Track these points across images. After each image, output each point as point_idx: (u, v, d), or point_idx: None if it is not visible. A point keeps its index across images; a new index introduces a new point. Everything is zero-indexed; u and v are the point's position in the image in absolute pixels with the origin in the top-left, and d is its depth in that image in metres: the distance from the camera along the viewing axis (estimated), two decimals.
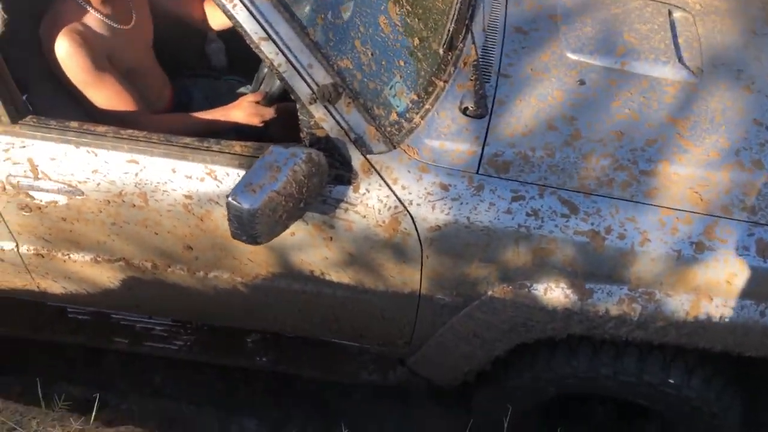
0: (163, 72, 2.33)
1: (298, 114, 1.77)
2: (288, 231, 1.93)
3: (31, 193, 1.96)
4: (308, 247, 1.97)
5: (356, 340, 2.32)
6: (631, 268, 1.89)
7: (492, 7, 2.26)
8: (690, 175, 1.95)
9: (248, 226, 1.62)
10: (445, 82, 2.01)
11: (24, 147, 1.90)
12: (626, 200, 1.89)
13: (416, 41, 1.99)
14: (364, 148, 1.82)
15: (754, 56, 2.25)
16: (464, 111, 1.98)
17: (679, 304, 1.90)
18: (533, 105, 2.02)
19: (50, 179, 1.93)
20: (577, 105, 2.04)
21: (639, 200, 1.89)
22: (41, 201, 1.97)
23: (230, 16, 1.66)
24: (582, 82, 2.10)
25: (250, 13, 1.66)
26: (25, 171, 1.92)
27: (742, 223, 1.88)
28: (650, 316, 1.92)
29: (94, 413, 1.97)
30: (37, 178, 1.93)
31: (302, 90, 1.74)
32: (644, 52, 2.18)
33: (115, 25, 2.04)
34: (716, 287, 1.87)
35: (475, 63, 2.03)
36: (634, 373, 2.10)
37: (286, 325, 2.31)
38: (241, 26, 1.67)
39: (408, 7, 1.99)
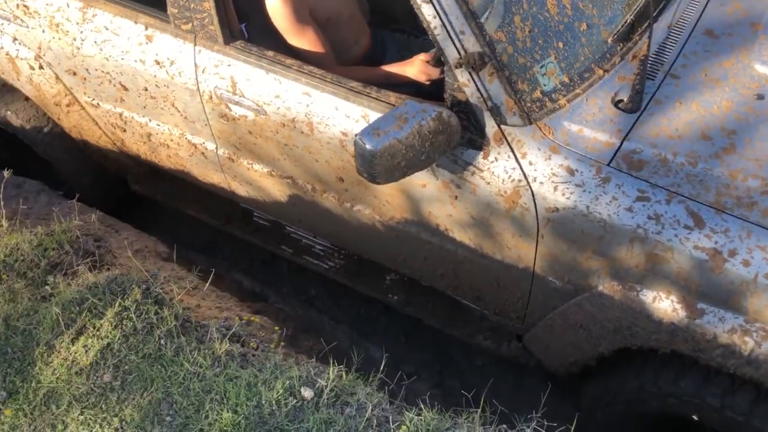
0: (363, 22, 2.58)
1: (445, 75, 1.92)
2: (420, 182, 2.11)
3: (230, 105, 2.35)
4: (436, 201, 2.13)
5: (474, 301, 2.44)
6: (751, 298, 1.77)
7: (688, 4, 2.17)
8: None
9: (369, 165, 1.82)
10: (606, 71, 2.01)
11: (230, 66, 2.28)
12: (762, 227, 1.77)
13: (584, 26, 2.00)
14: (498, 118, 1.92)
15: None
16: (616, 103, 1.97)
17: None
18: (693, 110, 1.95)
19: (244, 96, 2.29)
20: (743, 119, 1.92)
21: None
22: (236, 113, 2.36)
23: None
24: (761, 97, 1.96)
25: None
26: (227, 86, 2.31)
27: None
28: (764, 354, 1.80)
29: (208, 283, 2.24)
30: (235, 93, 2.31)
31: (451, 53, 1.88)
32: None
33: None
34: None
35: (644, 58, 1.99)
36: (743, 413, 1.97)
37: (414, 270, 2.49)
38: None
39: None
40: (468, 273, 2.30)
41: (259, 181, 2.59)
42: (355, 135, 1.82)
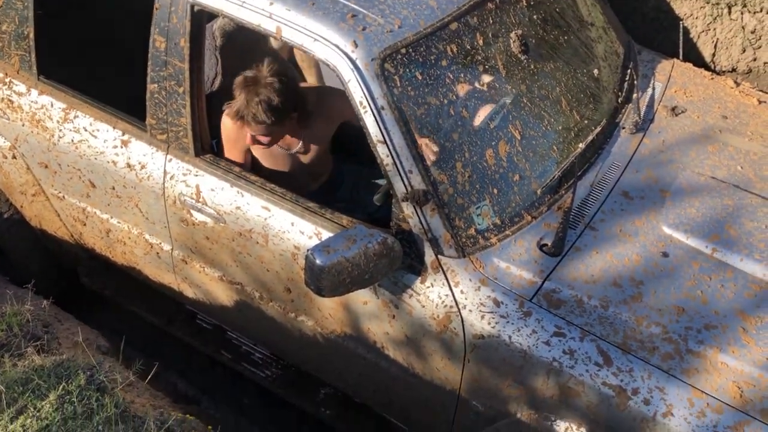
0: (329, 159, 2.79)
1: (392, 206, 2.15)
2: (362, 300, 2.28)
3: (192, 211, 2.52)
4: (375, 319, 2.29)
5: (403, 421, 2.55)
6: None
7: (609, 168, 2.48)
8: (739, 369, 1.99)
9: (317, 279, 1.99)
10: (534, 218, 2.27)
11: (197, 176, 2.48)
12: (661, 370, 1.98)
13: (517, 177, 2.28)
14: (436, 249, 2.13)
15: None
16: (541, 246, 2.21)
17: None
18: (607, 260, 2.20)
19: (206, 204, 2.47)
20: (650, 273, 2.18)
21: (675, 374, 1.97)
22: (196, 219, 2.53)
23: (360, 117, 2.11)
24: (666, 255, 2.24)
25: (375, 120, 2.09)
26: (192, 193, 2.49)
27: None
28: None
29: (147, 379, 2.30)
30: (198, 200, 2.48)
31: (399, 188, 2.11)
32: (740, 246, 2.26)
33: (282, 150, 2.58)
34: None
35: (567, 210, 2.26)
36: None
37: (348, 385, 2.61)
38: (367, 127, 2.10)
39: (519, 149, 2.31)
40: (399, 391, 2.43)
41: (208, 284, 2.72)
42: (307, 250, 2.00)
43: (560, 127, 2.46)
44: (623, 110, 2.68)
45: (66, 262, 3.24)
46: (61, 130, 2.70)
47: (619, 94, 2.71)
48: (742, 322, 2.09)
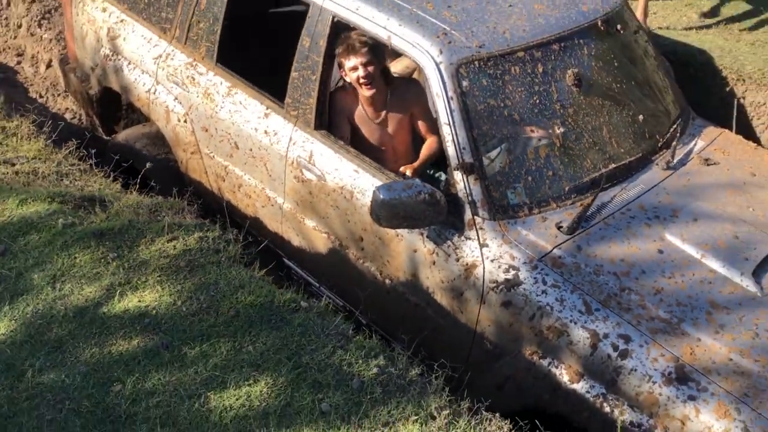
0: (411, 152, 3.54)
1: (447, 174, 2.84)
2: (413, 248, 2.95)
3: (303, 170, 3.33)
4: (421, 265, 2.95)
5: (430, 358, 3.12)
6: (612, 374, 2.44)
7: (633, 187, 3.03)
8: (695, 337, 2.47)
9: (378, 209, 2.69)
10: (558, 206, 2.87)
11: (312, 144, 3.29)
12: (630, 324, 2.49)
13: (550, 173, 2.91)
14: (474, 210, 2.79)
15: None
16: (558, 227, 2.80)
17: None
18: (610, 245, 2.75)
19: (315, 165, 3.27)
20: (643, 260, 2.71)
21: (640, 329, 2.48)
22: (305, 176, 3.32)
23: (434, 105, 2.85)
24: (660, 252, 2.75)
25: (445, 106, 2.81)
26: (306, 156, 3.30)
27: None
28: (618, 421, 2.42)
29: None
30: (309, 162, 3.29)
31: (453, 159, 2.81)
32: (726, 256, 2.72)
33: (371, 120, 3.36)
34: None
35: (587, 205, 2.85)
36: None
37: (393, 326, 3.23)
38: (437, 112, 2.84)
39: (556, 153, 2.94)
40: (430, 331, 3.02)
41: (306, 233, 3.48)
42: (375, 186, 2.72)
43: (597, 148, 3.07)
44: (661, 153, 3.25)
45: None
46: (223, 103, 3.64)
47: (660, 139, 3.28)
48: (711, 308, 2.55)
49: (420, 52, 2.90)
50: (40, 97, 5.37)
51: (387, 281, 3.15)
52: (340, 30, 3.22)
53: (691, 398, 2.32)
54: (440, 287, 2.91)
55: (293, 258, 3.70)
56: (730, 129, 3.63)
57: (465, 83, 2.85)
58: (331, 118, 3.38)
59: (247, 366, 2.50)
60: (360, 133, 3.40)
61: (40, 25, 5.57)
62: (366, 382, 2.43)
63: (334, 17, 3.16)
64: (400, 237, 2.99)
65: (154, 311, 2.70)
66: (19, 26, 5.69)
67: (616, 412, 2.42)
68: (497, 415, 2.37)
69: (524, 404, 2.70)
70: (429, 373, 2.56)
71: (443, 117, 2.84)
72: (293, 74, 3.33)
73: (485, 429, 2.32)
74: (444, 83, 2.83)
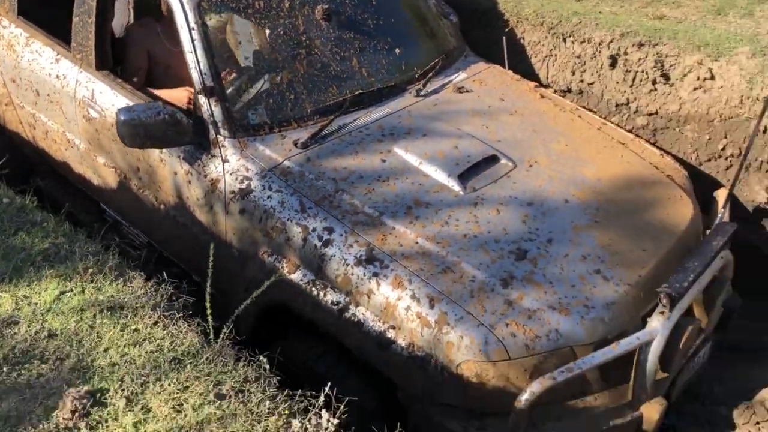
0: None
1: (192, 97, 3.12)
2: (173, 170, 3.23)
3: (88, 109, 3.58)
4: (183, 185, 3.23)
5: (199, 275, 3.41)
6: (319, 263, 2.77)
7: (378, 112, 3.36)
8: (391, 226, 2.79)
9: (120, 130, 2.96)
10: (299, 126, 3.18)
11: (93, 83, 3.54)
12: (336, 218, 2.81)
13: (292, 96, 3.22)
14: (216, 130, 3.08)
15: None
16: (295, 143, 3.11)
17: None
18: (337, 157, 3.07)
19: (96, 103, 3.52)
20: (363, 168, 3.03)
21: (343, 222, 2.80)
22: (91, 115, 3.57)
23: (178, 37, 3.13)
24: (383, 161, 3.08)
25: (189, 36, 3.10)
26: (89, 95, 3.55)
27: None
28: (323, 302, 2.74)
29: None
30: (92, 100, 3.54)
31: (198, 84, 3.09)
32: (441, 163, 3.07)
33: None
34: None
35: (325, 124, 3.16)
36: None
37: (174, 252, 3.51)
38: (182, 43, 3.12)
39: (300, 80, 3.24)
40: (196, 247, 3.30)
41: (100, 170, 3.74)
42: (117, 108, 2.99)
43: (345, 76, 3.38)
44: (417, 83, 3.58)
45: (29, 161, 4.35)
46: (23, 53, 3.86)
47: (418, 71, 3.61)
48: (413, 204, 2.89)
49: None
50: None
51: (161, 206, 3.42)
52: None
53: (375, 275, 2.65)
54: (197, 205, 3.20)
55: (101, 198, 3.95)
56: (523, 74, 3.99)
57: (207, 16, 3.13)
58: (126, 52, 3.64)
59: None
60: (160, 63, 3.67)
61: None
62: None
63: None
64: (163, 162, 3.27)
65: None
66: None
67: (322, 294, 2.74)
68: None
69: (266, 303, 3.00)
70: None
71: (187, 46, 3.12)
72: (74, 19, 3.58)
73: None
74: (186, 15, 3.11)
